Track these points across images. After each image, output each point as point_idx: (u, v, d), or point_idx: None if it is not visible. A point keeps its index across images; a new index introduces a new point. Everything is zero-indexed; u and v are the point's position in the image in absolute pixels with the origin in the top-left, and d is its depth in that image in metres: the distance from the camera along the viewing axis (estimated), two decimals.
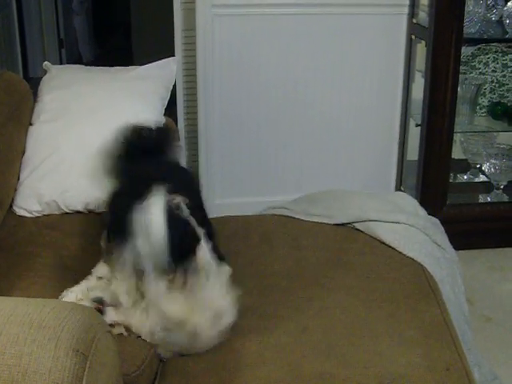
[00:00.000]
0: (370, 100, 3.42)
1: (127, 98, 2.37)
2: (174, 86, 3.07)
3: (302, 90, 3.37)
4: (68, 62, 6.10)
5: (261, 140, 3.44)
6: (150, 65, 2.53)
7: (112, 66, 2.62)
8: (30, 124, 2.36)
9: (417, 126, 3.29)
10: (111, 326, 1.65)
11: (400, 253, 2.11)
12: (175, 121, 3.17)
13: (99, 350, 1.32)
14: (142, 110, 2.36)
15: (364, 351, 1.64)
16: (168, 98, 2.50)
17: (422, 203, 2.46)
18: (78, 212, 2.28)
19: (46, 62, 2.58)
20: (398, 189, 3.54)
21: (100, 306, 1.69)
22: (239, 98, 3.37)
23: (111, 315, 1.69)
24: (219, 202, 3.51)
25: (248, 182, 3.53)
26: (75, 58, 6.51)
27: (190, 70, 3.47)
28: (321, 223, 2.26)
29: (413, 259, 2.08)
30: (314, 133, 3.40)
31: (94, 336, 1.31)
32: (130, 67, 2.56)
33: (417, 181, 3.28)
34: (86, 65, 2.91)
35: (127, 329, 1.68)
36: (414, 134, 3.35)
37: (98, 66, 2.70)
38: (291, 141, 3.42)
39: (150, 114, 2.37)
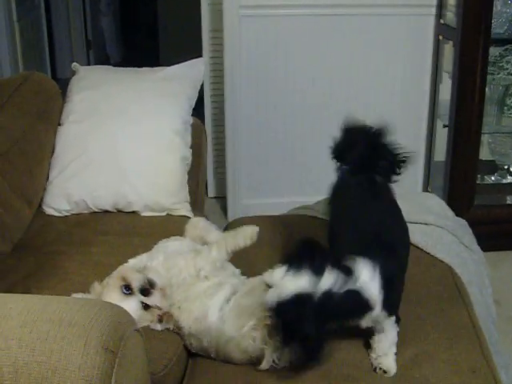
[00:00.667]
0: (397, 101, 3.41)
1: (155, 98, 2.38)
2: (202, 86, 3.09)
3: (329, 90, 3.37)
4: (96, 63, 6.16)
5: (287, 141, 3.44)
6: (177, 65, 2.54)
7: (139, 66, 2.64)
8: (59, 124, 2.39)
9: (444, 126, 3.27)
10: (147, 307, 1.66)
11: (428, 254, 2.10)
12: (202, 121, 3.19)
13: (128, 347, 1.33)
14: (170, 110, 2.37)
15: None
16: (196, 98, 2.51)
17: (450, 204, 2.45)
18: (107, 211, 2.30)
19: (74, 63, 2.60)
20: (425, 190, 3.52)
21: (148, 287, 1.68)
22: (266, 98, 3.37)
23: (156, 299, 1.69)
24: (246, 202, 3.53)
25: (274, 182, 3.53)
26: (103, 59, 6.57)
27: (217, 71, 3.49)
28: None
29: (441, 260, 2.07)
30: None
31: (122, 334, 1.32)
32: (157, 68, 2.57)
33: (444, 182, 3.26)
34: (114, 65, 2.93)
35: (163, 317, 1.69)
36: (442, 135, 3.33)
37: (126, 66, 2.71)
38: (317, 142, 3.41)
39: (178, 114, 2.38)
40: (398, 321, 1.66)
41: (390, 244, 1.61)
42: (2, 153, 2.10)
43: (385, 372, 1.60)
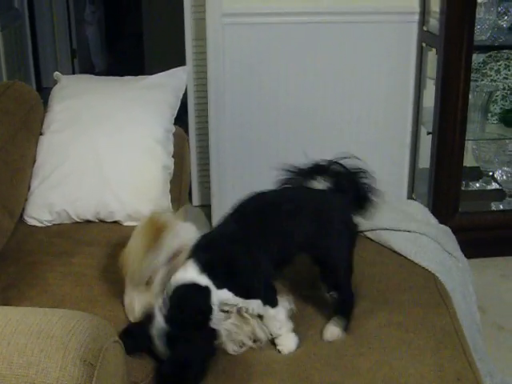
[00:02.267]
0: (381, 108, 3.41)
1: (137, 106, 2.37)
2: (185, 95, 3.08)
3: (312, 98, 3.37)
4: (80, 72, 6.13)
5: (272, 149, 3.44)
6: (160, 74, 2.53)
7: (124, 75, 2.63)
8: (41, 134, 2.37)
9: (428, 133, 3.27)
10: None
11: (411, 262, 2.09)
12: (186, 130, 3.18)
13: (107, 359, 1.32)
14: (152, 119, 2.36)
15: (373, 362, 1.62)
16: (178, 106, 2.50)
17: (434, 211, 2.46)
18: (89, 221, 2.29)
19: (56, 72, 2.59)
20: (409, 197, 3.53)
21: None
22: (250, 106, 3.37)
23: None
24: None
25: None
26: (88, 68, 6.55)
27: (201, 80, 3.48)
28: None
29: (424, 268, 2.07)
30: (324, 141, 3.39)
31: (101, 346, 1.31)
32: (140, 76, 2.56)
33: (428, 189, 3.26)
34: (99, 74, 2.93)
35: None
36: (426, 142, 3.34)
37: (110, 75, 2.70)
38: (302, 148, 3.39)
39: (160, 123, 2.37)
40: (349, 299, 1.78)
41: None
42: None
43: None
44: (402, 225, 2.20)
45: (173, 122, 2.48)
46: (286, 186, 1.89)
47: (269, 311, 1.68)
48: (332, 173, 1.88)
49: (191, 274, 1.58)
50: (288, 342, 1.70)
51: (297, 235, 1.74)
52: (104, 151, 2.26)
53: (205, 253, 1.62)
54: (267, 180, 3.43)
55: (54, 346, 1.26)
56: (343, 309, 1.78)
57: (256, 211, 1.76)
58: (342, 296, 1.79)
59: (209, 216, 3.58)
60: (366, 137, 3.42)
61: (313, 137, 3.41)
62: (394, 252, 2.14)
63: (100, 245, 2.14)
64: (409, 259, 2.10)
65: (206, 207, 3.67)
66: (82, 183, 2.25)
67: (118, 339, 1.41)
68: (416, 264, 2.08)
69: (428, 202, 3.20)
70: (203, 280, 1.57)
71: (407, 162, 3.49)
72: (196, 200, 3.79)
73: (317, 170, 1.88)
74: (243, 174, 3.49)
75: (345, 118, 3.40)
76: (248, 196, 1.80)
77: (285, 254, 1.74)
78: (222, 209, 3.51)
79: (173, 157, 2.41)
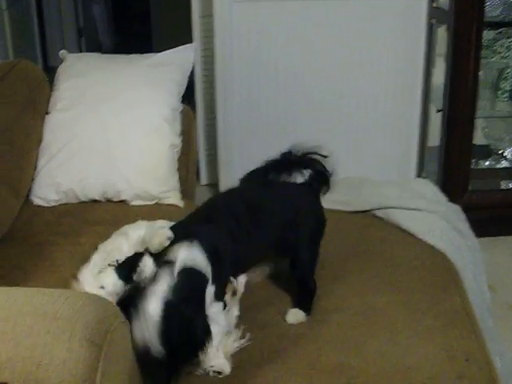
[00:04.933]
0: (390, 85, 3.36)
1: (144, 84, 2.35)
2: (193, 72, 3.05)
3: (321, 75, 3.32)
4: (88, 51, 6.08)
5: (279, 126, 3.40)
6: (167, 52, 2.50)
7: (131, 53, 2.59)
8: (47, 113, 2.35)
9: (438, 111, 3.24)
10: None
11: (420, 240, 2.08)
12: (193, 108, 3.16)
13: (114, 340, 1.31)
14: (159, 97, 2.34)
15: (381, 341, 1.61)
16: (185, 84, 2.48)
17: (443, 190, 2.43)
18: (96, 201, 2.27)
19: (62, 51, 2.56)
20: (418, 175, 3.49)
21: None
22: (257, 84, 3.33)
23: None
24: None
25: None
26: (95, 47, 6.50)
27: (209, 57, 3.45)
28: (339, 211, 2.22)
29: (433, 247, 2.05)
30: (332, 119, 3.36)
31: (108, 326, 1.30)
32: (146, 54, 2.53)
33: (438, 167, 3.23)
34: (106, 53, 2.90)
35: None
36: (435, 120, 3.30)
37: (118, 53, 2.67)
38: (310, 127, 3.38)
39: (167, 101, 2.35)
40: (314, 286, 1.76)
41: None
42: None
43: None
44: (411, 203, 2.18)
45: (180, 100, 2.45)
46: (252, 181, 1.90)
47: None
48: (293, 164, 1.92)
49: (200, 259, 1.53)
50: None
51: (265, 233, 1.73)
52: (111, 130, 2.24)
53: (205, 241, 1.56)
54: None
55: (61, 327, 1.25)
56: (306, 297, 1.77)
57: (225, 208, 1.74)
58: (305, 285, 1.79)
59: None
60: (375, 114, 3.38)
61: (320, 114, 3.37)
62: (403, 230, 2.12)
63: (107, 224, 2.12)
64: (418, 238, 2.08)
65: (214, 186, 3.66)
66: (89, 162, 2.24)
67: (124, 320, 1.41)
68: (425, 243, 2.06)
69: (437, 181, 3.17)
70: (208, 269, 1.52)
71: (416, 139, 3.44)
72: (204, 179, 3.77)
73: (279, 164, 1.92)
74: (252, 151, 3.47)
75: (352, 95, 3.36)
76: (219, 193, 1.80)
77: (252, 254, 1.73)
78: (228, 186, 3.50)
79: (180, 135, 2.39)
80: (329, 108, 3.38)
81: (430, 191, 2.33)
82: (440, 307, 1.76)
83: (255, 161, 3.41)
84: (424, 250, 2.05)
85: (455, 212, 2.27)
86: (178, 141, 2.35)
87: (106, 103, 2.29)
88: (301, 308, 1.73)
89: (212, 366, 1.53)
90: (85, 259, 1.92)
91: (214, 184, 3.67)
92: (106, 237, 2.03)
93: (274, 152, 3.38)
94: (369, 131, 3.41)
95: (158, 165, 2.26)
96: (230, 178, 3.45)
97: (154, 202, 2.27)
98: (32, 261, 1.92)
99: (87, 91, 2.32)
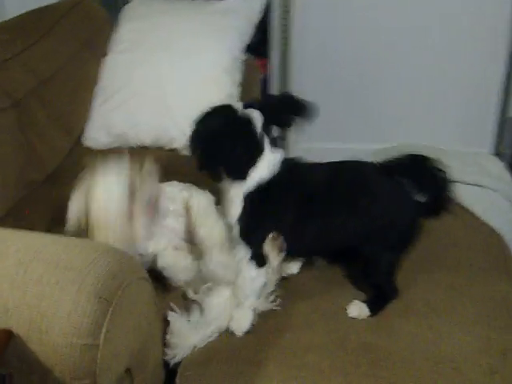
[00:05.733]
0: (468, 46, 3.14)
1: (205, 31, 2.28)
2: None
3: (398, 37, 3.15)
4: None
5: (354, 85, 3.28)
6: None
7: None
8: (106, 54, 2.31)
9: None
10: None
11: (478, 219, 1.95)
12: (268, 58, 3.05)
13: (126, 296, 1.27)
14: (219, 45, 2.27)
15: (414, 324, 1.52)
16: (250, 34, 2.39)
17: None
18: (146, 147, 2.23)
19: None
20: (496, 149, 3.28)
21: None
22: (334, 40, 3.19)
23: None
24: (305, 145, 3.40)
25: (334, 127, 3.38)
26: None
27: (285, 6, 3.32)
28: None
29: (491, 227, 1.92)
30: (407, 82, 3.20)
31: (121, 282, 1.26)
32: (214, 1, 2.45)
33: None
34: None
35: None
36: None
37: None
38: (384, 89, 3.24)
39: (228, 50, 2.28)
40: (392, 292, 1.59)
41: None
42: (44, 80, 2.03)
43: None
44: (473, 178, 2.05)
45: (243, 49, 2.37)
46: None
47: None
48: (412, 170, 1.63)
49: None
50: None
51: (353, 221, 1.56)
52: (167, 76, 2.19)
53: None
54: (344, 117, 3.32)
55: (70, 279, 1.22)
56: (379, 300, 1.61)
57: (337, 176, 1.59)
58: (382, 291, 1.62)
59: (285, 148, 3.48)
60: (450, 77, 3.16)
61: (395, 77, 3.21)
62: (460, 206, 1.99)
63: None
64: (476, 216, 1.96)
65: (282, 139, 3.56)
66: (143, 107, 2.20)
67: (144, 276, 1.36)
68: (483, 222, 1.94)
69: None
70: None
71: (494, 109, 3.23)
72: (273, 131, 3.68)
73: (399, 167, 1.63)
74: (321, 108, 3.35)
75: (428, 57, 3.17)
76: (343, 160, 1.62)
77: (335, 238, 1.59)
78: (295, 143, 3.41)
79: (240, 86, 2.31)
80: (403, 70, 3.21)
81: (496, 168, 2.19)
82: (486, 293, 1.65)
83: (325, 116, 3.32)
84: (480, 229, 1.93)
85: None
86: (235, 91, 2.28)
87: (163, 48, 2.23)
88: (369, 305, 1.57)
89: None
90: None
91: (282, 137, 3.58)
92: None
93: (343, 108, 3.29)
94: (442, 96, 3.21)
95: None
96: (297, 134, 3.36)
97: None
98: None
99: (146, 35, 2.27)
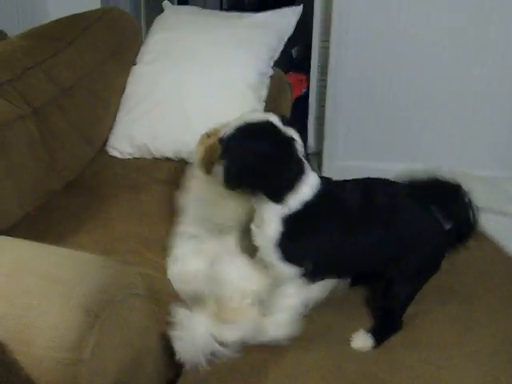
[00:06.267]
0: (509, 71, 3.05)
1: (231, 45, 2.24)
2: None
3: (439, 52, 3.08)
4: (229, 5, 5.99)
5: (391, 103, 3.22)
6: (267, 13, 2.39)
7: (273, 8, 2.44)
8: (134, 64, 2.31)
9: None
10: None
11: (500, 249, 1.88)
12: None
13: (118, 312, 1.26)
14: (245, 60, 2.23)
15: (418, 358, 1.46)
16: (279, 50, 2.35)
17: None
18: (168, 159, 2.22)
19: (165, 1, 2.51)
20: None
21: None
22: (374, 54, 3.14)
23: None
24: (342, 163, 3.36)
25: (374, 145, 3.32)
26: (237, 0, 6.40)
27: (326, 21, 3.29)
28: None
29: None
30: (445, 102, 3.12)
31: (111, 297, 1.25)
32: (246, 14, 2.42)
33: None
34: (249, 8, 2.77)
35: None
36: None
37: (262, 9, 2.48)
38: (425, 106, 3.17)
39: (254, 65, 2.24)
40: (398, 323, 1.56)
41: None
42: (66, 88, 2.04)
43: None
44: (498, 206, 1.98)
45: (271, 64, 2.34)
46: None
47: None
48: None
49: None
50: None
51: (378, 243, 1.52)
52: (189, 89, 2.17)
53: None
54: (385, 135, 3.25)
55: (58, 292, 1.21)
56: (385, 330, 1.57)
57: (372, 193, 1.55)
58: (391, 320, 1.58)
59: (320, 167, 3.44)
60: (492, 95, 3.08)
61: (433, 96, 3.14)
62: (485, 236, 1.92)
63: (174, 184, 2.07)
64: (498, 246, 1.89)
65: (320, 156, 3.52)
66: (164, 119, 2.18)
67: (140, 292, 1.34)
68: (505, 253, 1.87)
69: None
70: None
71: None
72: (311, 147, 3.64)
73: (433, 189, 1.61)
74: (360, 126, 3.31)
75: (470, 79, 3.09)
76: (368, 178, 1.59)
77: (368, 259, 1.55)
78: (332, 160, 3.37)
79: (264, 101, 2.28)
80: (442, 90, 3.14)
81: None
82: (500, 325, 1.59)
83: (364, 134, 3.27)
84: (503, 260, 1.86)
85: None
86: (260, 107, 2.24)
87: (188, 60, 2.21)
88: (373, 335, 1.54)
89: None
90: (140, 217, 1.89)
91: (317, 153, 3.54)
92: (168, 197, 1.98)
93: (384, 126, 3.22)
94: (482, 118, 3.13)
95: None
96: (334, 150, 3.33)
97: None
98: (88, 212, 1.89)
99: (173, 46, 2.26)
